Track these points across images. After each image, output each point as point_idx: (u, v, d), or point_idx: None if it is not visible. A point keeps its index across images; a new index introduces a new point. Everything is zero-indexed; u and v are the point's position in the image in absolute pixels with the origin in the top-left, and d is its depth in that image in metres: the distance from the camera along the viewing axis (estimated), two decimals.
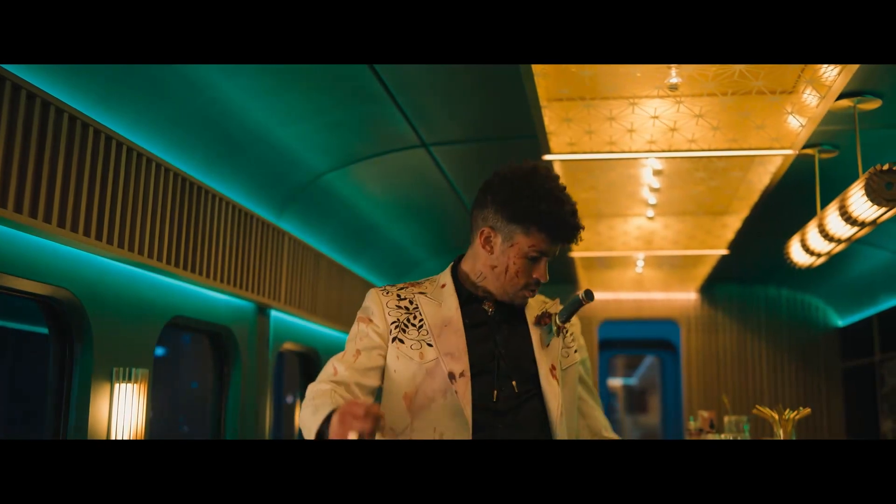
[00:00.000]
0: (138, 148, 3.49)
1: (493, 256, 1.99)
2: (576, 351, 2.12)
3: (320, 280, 5.79)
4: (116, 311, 3.51)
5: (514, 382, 1.94)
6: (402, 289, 2.08)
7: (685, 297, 9.67)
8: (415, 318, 2.00)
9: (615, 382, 20.58)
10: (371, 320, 2.02)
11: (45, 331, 3.33)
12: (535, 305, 2.09)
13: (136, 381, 3.49)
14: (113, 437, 3.41)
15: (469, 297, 2.04)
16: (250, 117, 3.90)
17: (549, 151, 4.63)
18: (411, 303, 2.03)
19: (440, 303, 2.02)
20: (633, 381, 22.08)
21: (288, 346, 5.56)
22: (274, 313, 5.18)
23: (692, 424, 5.60)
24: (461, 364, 1.92)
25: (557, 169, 5.11)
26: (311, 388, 1.96)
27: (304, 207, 5.18)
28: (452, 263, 2.13)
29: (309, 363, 6.10)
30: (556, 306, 2.09)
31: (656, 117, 4.33)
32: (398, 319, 2.00)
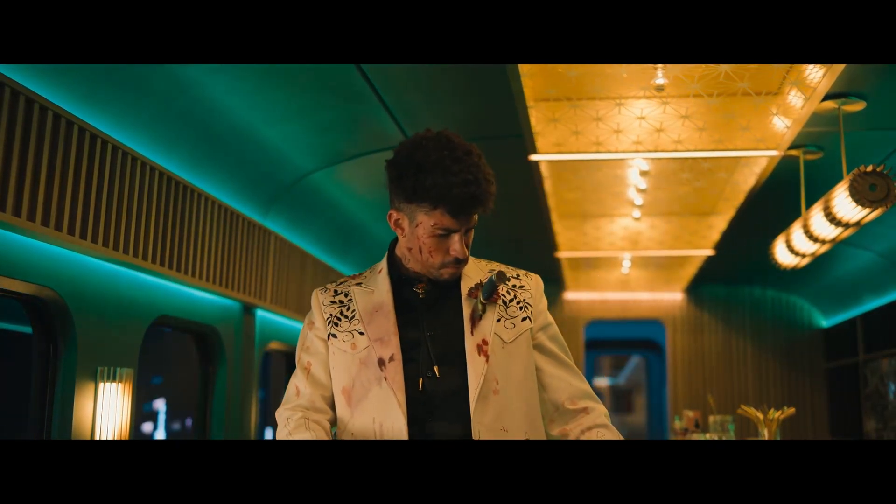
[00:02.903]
0: (123, 146, 3.47)
1: (406, 238, 1.89)
2: (525, 319, 1.93)
3: (306, 279, 5.78)
4: (101, 311, 3.49)
5: (435, 368, 1.83)
6: (340, 283, 2.02)
7: (671, 297, 9.71)
8: (348, 309, 1.94)
9: (601, 382, 20.68)
10: (313, 323, 1.99)
11: (29, 330, 3.31)
12: (474, 275, 1.96)
13: (120, 381, 3.48)
14: (97, 437, 3.39)
15: (401, 279, 1.95)
16: (236, 116, 3.89)
17: (535, 151, 4.64)
18: (346, 295, 1.97)
19: (373, 289, 1.95)
20: (618, 380, 22.16)
21: (274, 345, 5.55)
22: (260, 313, 5.17)
23: (677, 424, 5.63)
24: (391, 348, 1.85)
25: (544, 169, 5.13)
26: (281, 415, 1.94)
27: (290, 207, 5.17)
28: (390, 246, 2.03)
29: (295, 363, 6.07)
30: (499, 274, 1.96)
31: (643, 118, 4.34)
32: (331, 314, 1.95)
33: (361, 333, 1.89)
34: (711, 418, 5.03)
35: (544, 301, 2.02)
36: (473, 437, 1.77)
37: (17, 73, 2.85)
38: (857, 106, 3.88)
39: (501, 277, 1.86)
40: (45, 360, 3.27)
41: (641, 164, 5.15)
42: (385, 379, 1.83)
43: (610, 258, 8.11)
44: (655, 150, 4.76)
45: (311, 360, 1.97)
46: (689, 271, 8.65)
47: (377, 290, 1.95)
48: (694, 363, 9.49)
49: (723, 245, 7.15)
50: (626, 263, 8.37)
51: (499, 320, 1.89)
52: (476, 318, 1.87)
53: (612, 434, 1.92)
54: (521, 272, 2.04)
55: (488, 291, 1.87)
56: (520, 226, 6.44)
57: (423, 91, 3.92)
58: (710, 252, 7.50)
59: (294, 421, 1.90)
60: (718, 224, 6.65)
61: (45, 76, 2.97)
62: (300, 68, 3.52)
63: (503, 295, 1.93)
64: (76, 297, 3.31)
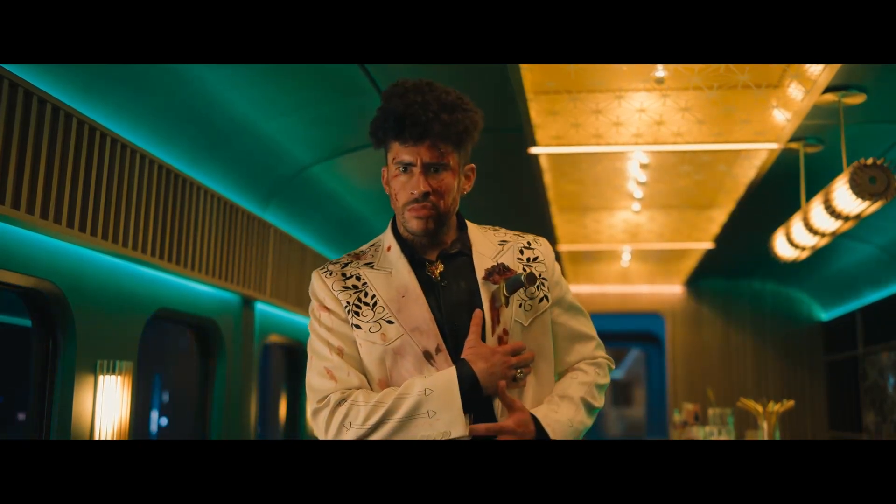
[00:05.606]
0: (122, 139, 3.47)
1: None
2: (542, 299, 1.82)
3: (306, 273, 5.77)
4: (100, 304, 3.48)
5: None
6: (345, 265, 1.82)
7: (670, 290, 9.71)
8: (366, 295, 1.76)
9: None
10: (326, 308, 1.78)
11: (27, 323, 3.31)
12: (486, 250, 1.83)
13: (120, 374, 3.48)
14: (97, 430, 3.39)
15: (414, 258, 1.80)
16: (236, 109, 3.88)
17: (534, 144, 4.63)
18: (359, 279, 1.78)
19: (389, 271, 1.78)
20: (618, 374, 22.16)
21: (274, 338, 5.55)
22: (259, 306, 5.17)
23: (677, 417, 5.64)
24: (433, 338, 1.70)
25: (543, 162, 5.12)
26: (333, 410, 1.69)
27: (289, 200, 5.16)
28: (392, 221, 1.87)
29: (294, 356, 6.09)
30: (511, 249, 1.85)
31: (642, 111, 4.34)
32: (349, 302, 1.75)
33: (390, 322, 1.72)
34: (711, 411, 5.04)
35: (557, 268, 1.90)
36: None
37: (15, 66, 2.84)
38: (858, 98, 3.88)
39: (531, 280, 1.73)
40: (44, 353, 3.27)
41: (641, 156, 5.14)
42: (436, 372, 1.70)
43: (609, 251, 8.11)
44: (655, 143, 4.75)
45: (341, 344, 1.75)
46: (689, 264, 8.66)
47: (395, 271, 1.78)
48: (693, 356, 9.50)
49: (722, 238, 7.15)
50: (626, 256, 8.38)
51: (519, 305, 1.77)
52: (497, 308, 1.75)
53: (584, 375, 1.87)
54: (530, 238, 1.91)
55: (512, 288, 1.75)
56: (519, 219, 6.43)
57: None
58: (709, 245, 7.50)
59: (363, 395, 1.69)
60: (718, 217, 6.65)
61: (43, 69, 2.96)
62: None
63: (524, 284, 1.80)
64: (75, 290, 3.31)
